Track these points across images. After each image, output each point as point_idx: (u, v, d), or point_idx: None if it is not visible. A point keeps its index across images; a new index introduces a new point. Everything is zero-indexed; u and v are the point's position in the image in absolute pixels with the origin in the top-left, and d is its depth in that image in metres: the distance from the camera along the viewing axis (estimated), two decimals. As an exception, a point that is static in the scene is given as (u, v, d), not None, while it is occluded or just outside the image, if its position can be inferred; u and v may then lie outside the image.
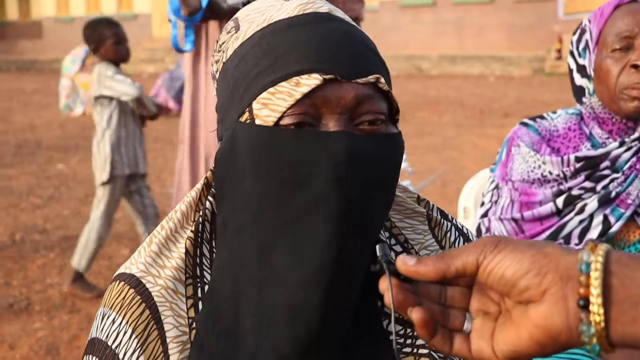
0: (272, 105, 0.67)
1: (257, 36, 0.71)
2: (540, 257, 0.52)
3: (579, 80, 1.44)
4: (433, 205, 0.84)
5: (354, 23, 0.74)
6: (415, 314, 0.56)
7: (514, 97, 11.16)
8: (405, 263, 0.57)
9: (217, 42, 0.81)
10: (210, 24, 2.53)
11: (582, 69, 1.43)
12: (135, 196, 3.78)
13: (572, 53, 1.47)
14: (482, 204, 1.52)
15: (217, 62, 0.79)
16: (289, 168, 0.66)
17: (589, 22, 1.41)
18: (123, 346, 0.72)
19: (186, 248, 0.75)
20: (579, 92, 1.45)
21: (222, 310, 0.72)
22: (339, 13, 0.73)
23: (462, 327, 0.58)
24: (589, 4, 15.52)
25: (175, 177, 2.99)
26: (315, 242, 0.65)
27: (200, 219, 0.76)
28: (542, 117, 1.51)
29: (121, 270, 0.79)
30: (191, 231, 0.76)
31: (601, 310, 0.49)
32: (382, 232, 0.79)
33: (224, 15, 2.38)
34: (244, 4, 2.30)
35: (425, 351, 0.72)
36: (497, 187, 1.49)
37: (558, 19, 14.99)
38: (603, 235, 1.33)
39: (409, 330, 0.73)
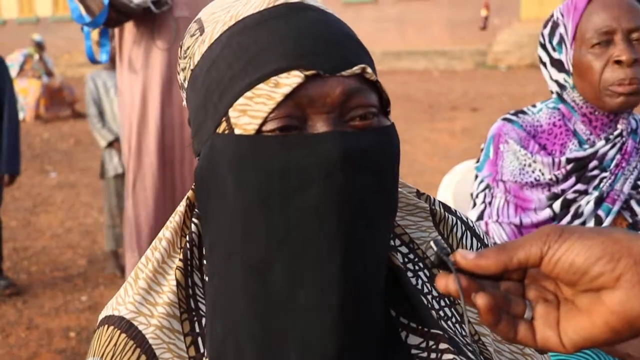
0: (251, 112, 0.61)
1: (225, 36, 0.65)
2: (610, 243, 0.51)
3: (556, 74, 1.44)
4: (434, 199, 0.79)
5: (329, 10, 0.68)
6: (480, 299, 0.53)
7: (460, 91, 11.38)
8: (465, 257, 0.55)
9: (181, 47, 0.73)
10: (125, 31, 2.40)
11: (558, 64, 1.43)
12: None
13: (543, 46, 1.48)
14: (474, 205, 1.50)
15: (183, 69, 0.71)
16: (276, 180, 0.60)
17: (562, 15, 1.41)
18: None
19: (177, 279, 0.68)
20: (557, 85, 1.45)
21: (225, 350, 0.65)
22: (312, 0, 0.67)
23: (524, 314, 0.56)
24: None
25: (127, 226, 2.48)
26: (316, 258, 0.60)
27: (188, 245, 0.69)
28: (523, 112, 1.50)
29: (107, 312, 0.71)
30: (180, 259, 0.69)
31: None
32: None
33: (132, 14, 2.26)
34: (155, 3, 2.22)
35: None
36: (488, 187, 1.48)
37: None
38: None
39: (431, 343, 0.68)
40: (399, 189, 0.75)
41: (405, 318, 0.70)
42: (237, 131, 0.62)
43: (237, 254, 0.63)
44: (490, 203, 1.47)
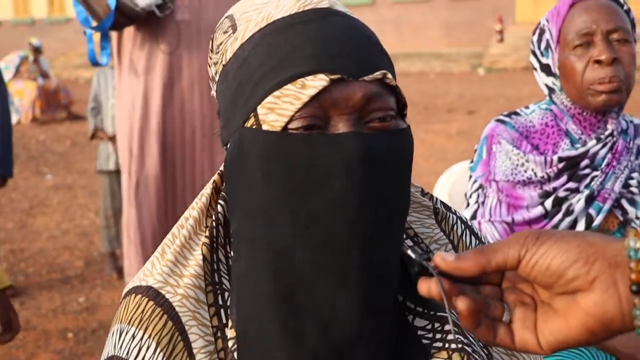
0: (278, 110, 0.65)
1: (257, 36, 0.69)
2: (586, 246, 0.53)
3: (545, 78, 1.49)
4: (437, 198, 0.83)
5: (354, 16, 0.72)
6: (461, 303, 0.55)
7: (456, 93, 11.41)
8: (445, 259, 0.57)
9: (212, 41, 0.78)
10: (124, 34, 2.42)
11: (546, 68, 1.48)
12: None
13: (533, 52, 1.53)
14: (467, 205, 1.53)
15: (215, 64, 0.76)
16: (300, 174, 0.64)
17: (547, 22, 1.47)
18: None
19: (203, 254, 0.73)
20: (547, 89, 1.50)
21: (248, 327, 0.69)
22: (340, 6, 0.71)
23: (503, 317, 0.58)
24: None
25: (125, 222, 2.49)
26: (335, 248, 0.64)
27: (214, 224, 0.74)
28: (516, 114, 1.54)
29: (135, 283, 0.75)
30: (206, 237, 0.74)
31: None
32: None
33: (137, 18, 2.28)
34: (158, 7, 2.25)
35: (456, 346, 0.71)
36: (481, 187, 1.51)
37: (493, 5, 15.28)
38: (587, 229, 1.37)
39: (437, 325, 0.73)
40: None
41: (412, 302, 0.74)
42: (264, 127, 0.66)
43: (261, 240, 0.67)
44: (483, 203, 1.50)
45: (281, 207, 0.66)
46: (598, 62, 1.35)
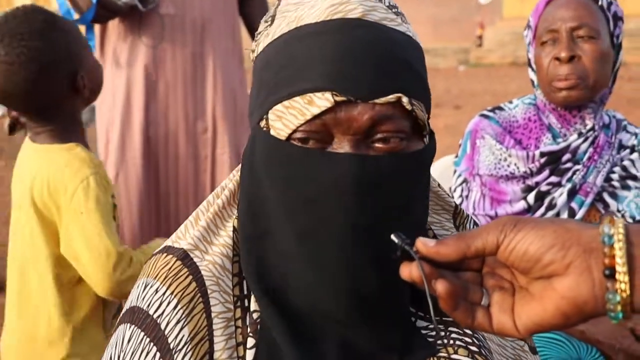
0: (285, 120, 0.67)
1: (282, 40, 0.69)
2: (562, 232, 0.55)
3: (529, 73, 1.52)
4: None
5: (392, 26, 0.68)
6: (440, 285, 0.57)
7: (442, 88, 11.45)
8: (425, 244, 0.59)
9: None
10: (109, 26, 2.41)
11: (529, 63, 1.52)
12: None
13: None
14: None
15: (253, 51, 0.77)
16: (298, 184, 0.66)
17: (531, 18, 1.50)
18: (166, 316, 0.71)
19: (234, 226, 0.76)
20: (532, 84, 1.53)
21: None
22: (374, 15, 0.68)
23: (481, 301, 0.60)
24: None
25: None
26: (324, 263, 0.66)
27: None
28: (500, 108, 1.56)
29: (167, 243, 0.78)
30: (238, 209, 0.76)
31: (626, 278, 0.52)
32: None
33: (119, 12, 2.28)
34: (140, 1, 2.25)
35: (460, 343, 0.73)
36: (465, 181, 1.53)
37: (479, 4, 15.46)
38: None
39: (440, 326, 0.75)
40: (435, 188, 0.81)
41: (414, 308, 0.76)
42: (272, 132, 0.68)
43: (269, 235, 0.70)
44: (467, 196, 1.52)
45: (283, 210, 0.68)
46: (558, 59, 1.39)
